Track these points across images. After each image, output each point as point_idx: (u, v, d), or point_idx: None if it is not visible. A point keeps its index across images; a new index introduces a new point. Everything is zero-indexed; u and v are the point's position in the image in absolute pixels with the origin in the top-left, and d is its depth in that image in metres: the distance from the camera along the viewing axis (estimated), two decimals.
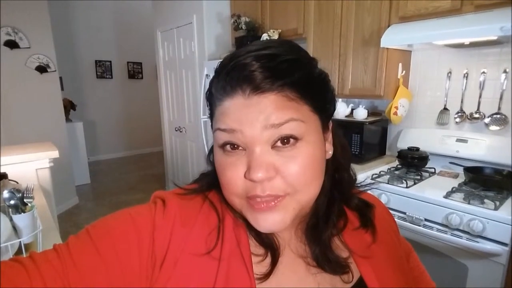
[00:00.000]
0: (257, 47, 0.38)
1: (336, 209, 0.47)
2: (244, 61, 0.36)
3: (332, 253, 0.45)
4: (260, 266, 0.42)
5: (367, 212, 0.50)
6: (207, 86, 0.43)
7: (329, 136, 0.45)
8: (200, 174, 0.50)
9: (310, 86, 0.39)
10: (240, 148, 0.38)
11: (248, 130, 0.36)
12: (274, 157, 0.37)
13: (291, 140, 0.37)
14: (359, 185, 0.53)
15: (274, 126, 0.36)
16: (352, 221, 0.49)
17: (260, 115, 0.36)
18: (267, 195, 0.37)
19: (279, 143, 0.37)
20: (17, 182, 1.42)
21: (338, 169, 0.48)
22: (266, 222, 0.38)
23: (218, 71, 0.40)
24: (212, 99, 0.41)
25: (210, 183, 0.46)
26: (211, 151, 0.47)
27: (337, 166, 0.47)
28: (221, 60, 0.41)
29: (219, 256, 0.40)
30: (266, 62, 0.36)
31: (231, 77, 0.37)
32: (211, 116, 0.42)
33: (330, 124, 0.46)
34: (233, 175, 0.38)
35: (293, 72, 0.37)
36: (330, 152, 0.45)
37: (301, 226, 0.46)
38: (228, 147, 0.39)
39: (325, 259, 0.44)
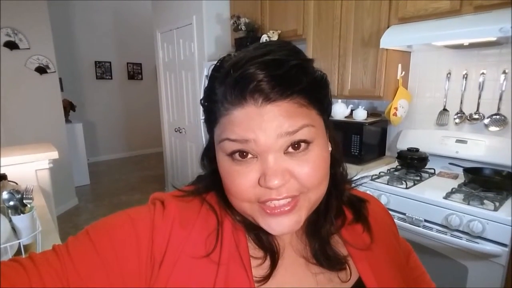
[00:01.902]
0: (259, 53, 0.37)
1: (334, 204, 0.47)
2: (249, 71, 0.35)
3: (331, 248, 0.46)
4: (259, 269, 0.42)
5: (360, 206, 0.50)
6: None
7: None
8: (197, 176, 0.49)
9: (317, 90, 0.40)
10: (250, 156, 0.38)
11: (262, 139, 0.36)
12: (288, 161, 0.38)
13: (303, 145, 0.38)
14: (351, 180, 0.53)
15: (289, 134, 0.36)
16: (348, 217, 0.50)
17: (274, 123, 0.36)
18: (284, 196, 0.38)
19: (290, 149, 0.38)
20: (17, 183, 1.42)
21: (333, 164, 0.48)
22: (280, 225, 0.39)
23: (219, 78, 0.38)
24: (216, 106, 0.39)
25: (207, 185, 0.46)
26: (204, 155, 0.47)
27: (332, 162, 0.47)
28: (217, 64, 0.40)
29: (218, 259, 0.40)
30: (273, 71, 0.35)
31: (240, 87, 0.36)
32: (213, 123, 0.41)
33: None
34: (244, 183, 0.38)
35: (301, 79, 0.37)
36: (329, 149, 0.45)
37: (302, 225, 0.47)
38: (237, 155, 0.38)
39: (324, 255, 0.45)
